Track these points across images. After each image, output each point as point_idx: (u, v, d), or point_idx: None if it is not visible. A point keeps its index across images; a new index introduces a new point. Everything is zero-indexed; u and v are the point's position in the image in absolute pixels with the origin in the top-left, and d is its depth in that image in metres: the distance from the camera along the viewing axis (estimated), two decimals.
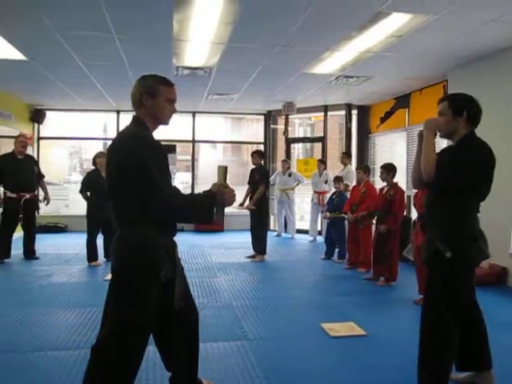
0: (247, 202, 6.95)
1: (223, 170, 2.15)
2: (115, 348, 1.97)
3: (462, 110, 2.45)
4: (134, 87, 2.17)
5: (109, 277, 2.18)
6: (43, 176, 6.80)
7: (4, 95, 8.06)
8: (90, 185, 6.14)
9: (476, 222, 2.47)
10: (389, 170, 5.28)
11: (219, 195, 2.05)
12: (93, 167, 6.35)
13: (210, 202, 2.03)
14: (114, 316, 2.02)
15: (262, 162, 7.06)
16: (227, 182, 2.15)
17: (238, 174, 11.70)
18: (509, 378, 2.84)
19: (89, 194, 6.19)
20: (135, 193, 1.97)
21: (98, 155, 6.27)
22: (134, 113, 2.19)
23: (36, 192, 6.61)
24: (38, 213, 6.87)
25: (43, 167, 7.13)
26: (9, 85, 7.51)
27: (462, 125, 2.46)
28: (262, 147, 10.49)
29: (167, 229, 2.14)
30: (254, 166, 6.99)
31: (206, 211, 2.03)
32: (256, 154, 6.93)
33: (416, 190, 4.56)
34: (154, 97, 2.11)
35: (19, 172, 6.22)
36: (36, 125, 9.68)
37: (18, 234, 6.54)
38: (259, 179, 6.74)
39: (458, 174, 2.37)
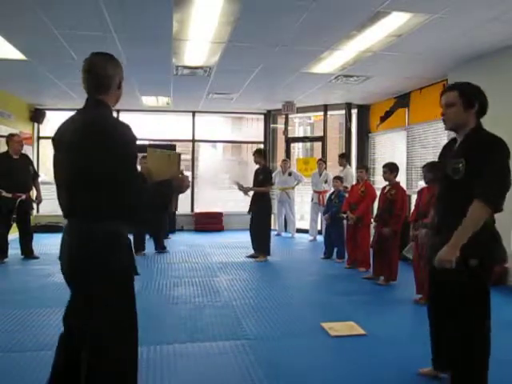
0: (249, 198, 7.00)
1: (177, 157, 2.18)
2: (115, 348, 1.96)
3: (474, 101, 2.33)
4: (107, 68, 1.97)
5: None
6: (38, 175, 6.80)
7: (4, 95, 8.06)
8: None
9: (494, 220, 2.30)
10: (392, 169, 5.28)
11: (177, 182, 2.09)
12: None
13: (171, 190, 2.09)
14: (106, 319, 1.93)
15: (264, 161, 6.99)
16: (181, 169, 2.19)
17: (238, 173, 11.70)
18: (509, 377, 2.85)
19: None
20: (110, 181, 1.85)
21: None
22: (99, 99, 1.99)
23: (31, 192, 6.58)
24: (31, 214, 6.82)
25: (43, 167, 7.11)
26: (9, 85, 7.51)
27: (472, 117, 2.36)
28: (262, 147, 10.48)
29: (132, 223, 2.15)
30: (257, 167, 6.95)
31: (169, 199, 2.11)
32: (257, 154, 6.91)
33: (419, 189, 4.52)
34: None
35: (15, 172, 6.19)
36: (36, 125, 9.67)
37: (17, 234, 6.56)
38: (263, 180, 6.74)
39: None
